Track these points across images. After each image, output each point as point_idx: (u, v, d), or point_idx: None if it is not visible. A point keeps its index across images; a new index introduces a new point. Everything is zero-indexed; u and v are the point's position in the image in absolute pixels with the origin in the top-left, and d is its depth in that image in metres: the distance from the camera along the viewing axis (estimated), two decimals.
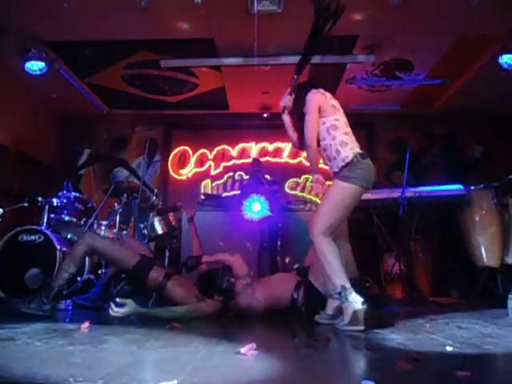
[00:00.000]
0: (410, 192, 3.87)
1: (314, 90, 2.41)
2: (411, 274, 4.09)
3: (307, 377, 1.21)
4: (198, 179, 6.14)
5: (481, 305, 3.26)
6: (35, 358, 1.36)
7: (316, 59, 4.69)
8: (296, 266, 2.84)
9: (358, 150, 2.30)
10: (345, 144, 2.29)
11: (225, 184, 6.08)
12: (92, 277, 3.39)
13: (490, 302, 3.39)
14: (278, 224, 3.60)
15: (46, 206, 3.69)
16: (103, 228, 3.94)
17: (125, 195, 3.97)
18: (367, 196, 3.52)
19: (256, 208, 3.98)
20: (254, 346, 1.50)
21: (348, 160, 2.24)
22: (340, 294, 2.08)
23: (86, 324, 2.08)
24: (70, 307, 3.02)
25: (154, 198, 4.51)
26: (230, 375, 1.18)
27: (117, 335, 1.83)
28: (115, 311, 2.28)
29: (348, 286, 2.09)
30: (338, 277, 2.11)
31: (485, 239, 3.86)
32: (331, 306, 2.30)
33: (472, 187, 3.99)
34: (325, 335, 1.91)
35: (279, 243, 3.57)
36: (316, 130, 2.33)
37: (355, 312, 2.03)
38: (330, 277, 2.17)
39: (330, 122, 2.33)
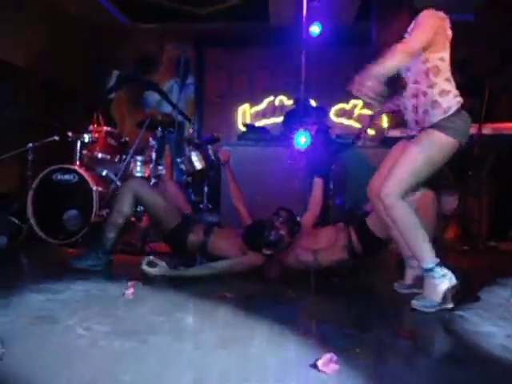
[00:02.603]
0: (488, 129, 3.29)
1: (432, 9, 1.78)
2: (469, 215, 3.72)
3: None
4: (235, 103, 5.63)
5: None
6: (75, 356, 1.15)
7: None
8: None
9: (460, 98, 1.81)
10: (446, 93, 1.78)
11: (264, 110, 5.56)
12: (133, 219, 3.22)
13: None
14: (330, 165, 3.20)
15: (78, 142, 3.42)
16: (138, 164, 3.68)
17: (159, 128, 3.62)
18: None
19: (303, 141, 3.57)
20: (334, 357, 1.24)
21: (451, 112, 1.76)
22: (427, 270, 1.75)
23: (131, 290, 1.96)
24: None
25: (190, 127, 4.13)
26: None
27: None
28: (146, 270, 2.23)
29: (437, 261, 1.75)
30: (426, 251, 1.76)
31: None
32: (410, 275, 2.05)
33: None
34: (407, 329, 1.62)
35: (332, 186, 3.20)
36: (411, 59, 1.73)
37: (447, 290, 1.72)
38: (413, 251, 1.83)
39: (434, 63, 1.78)
